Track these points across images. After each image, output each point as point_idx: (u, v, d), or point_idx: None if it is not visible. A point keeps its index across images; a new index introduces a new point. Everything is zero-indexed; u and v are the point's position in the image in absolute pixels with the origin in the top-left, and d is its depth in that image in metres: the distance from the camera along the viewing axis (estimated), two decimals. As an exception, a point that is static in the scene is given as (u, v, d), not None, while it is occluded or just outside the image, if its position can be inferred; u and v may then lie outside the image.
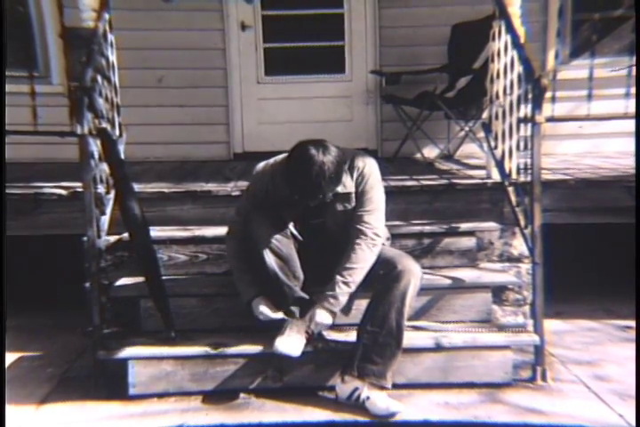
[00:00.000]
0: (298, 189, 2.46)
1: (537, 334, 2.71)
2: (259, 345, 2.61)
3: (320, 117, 4.81)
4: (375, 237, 2.55)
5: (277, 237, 2.56)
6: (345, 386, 2.52)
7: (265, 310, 2.57)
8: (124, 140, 3.39)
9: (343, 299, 2.50)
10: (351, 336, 2.60)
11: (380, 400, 2.45)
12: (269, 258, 2.55)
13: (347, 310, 2.57)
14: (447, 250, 3.09)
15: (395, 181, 3.46)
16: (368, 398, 2.46)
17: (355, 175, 2.57)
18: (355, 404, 2.49)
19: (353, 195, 2.58)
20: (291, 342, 2.50)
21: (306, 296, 2.59)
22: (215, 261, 3.05)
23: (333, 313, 2.51)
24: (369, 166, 2.59)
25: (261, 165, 2.69)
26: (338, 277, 2.50)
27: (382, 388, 2.49)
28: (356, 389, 2.49)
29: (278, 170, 2.57)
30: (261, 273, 2.58)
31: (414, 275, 2.49)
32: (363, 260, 2.52)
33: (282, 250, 2.56)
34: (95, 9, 3.11)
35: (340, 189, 2.53)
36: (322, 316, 2.51)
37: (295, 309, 2.57)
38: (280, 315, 2.57)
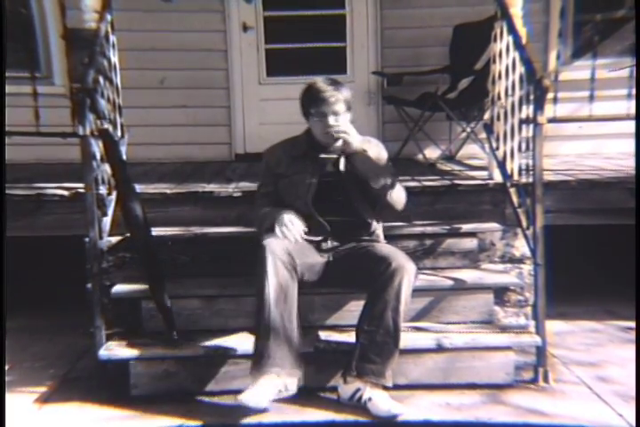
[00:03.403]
0: (309, 103, 2.62)
1: (539, 335, 2.71)
2: (260, 346, 2.61)
3: (322, 118, 4.79)
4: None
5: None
6: (347, 387, 2.52)
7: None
8: (125, 142, 3.39)
9: None
10: (352, 337, 2.59)
11: (381, 402, 2.45)
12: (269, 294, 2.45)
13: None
14: (449, 251, 3.09)
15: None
16: (370, 399, 2.46)
17: (365, 140, 2.72)
18: (357, 405, 2.48)
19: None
20: (259, 393, 2.38)
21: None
22: (217, 261, 3.05)
23: None
24: (378, 141, 2.84)
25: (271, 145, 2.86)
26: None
27: (383, 387, 2.48)
28: (358, 389, 2.49)
29: (289, 140, 2.78)
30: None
31: (407, 271, 2.49)
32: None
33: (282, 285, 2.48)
34: (97, 10, 3.11)
35: (351, 139, 2.60)
36: None
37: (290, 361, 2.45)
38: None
